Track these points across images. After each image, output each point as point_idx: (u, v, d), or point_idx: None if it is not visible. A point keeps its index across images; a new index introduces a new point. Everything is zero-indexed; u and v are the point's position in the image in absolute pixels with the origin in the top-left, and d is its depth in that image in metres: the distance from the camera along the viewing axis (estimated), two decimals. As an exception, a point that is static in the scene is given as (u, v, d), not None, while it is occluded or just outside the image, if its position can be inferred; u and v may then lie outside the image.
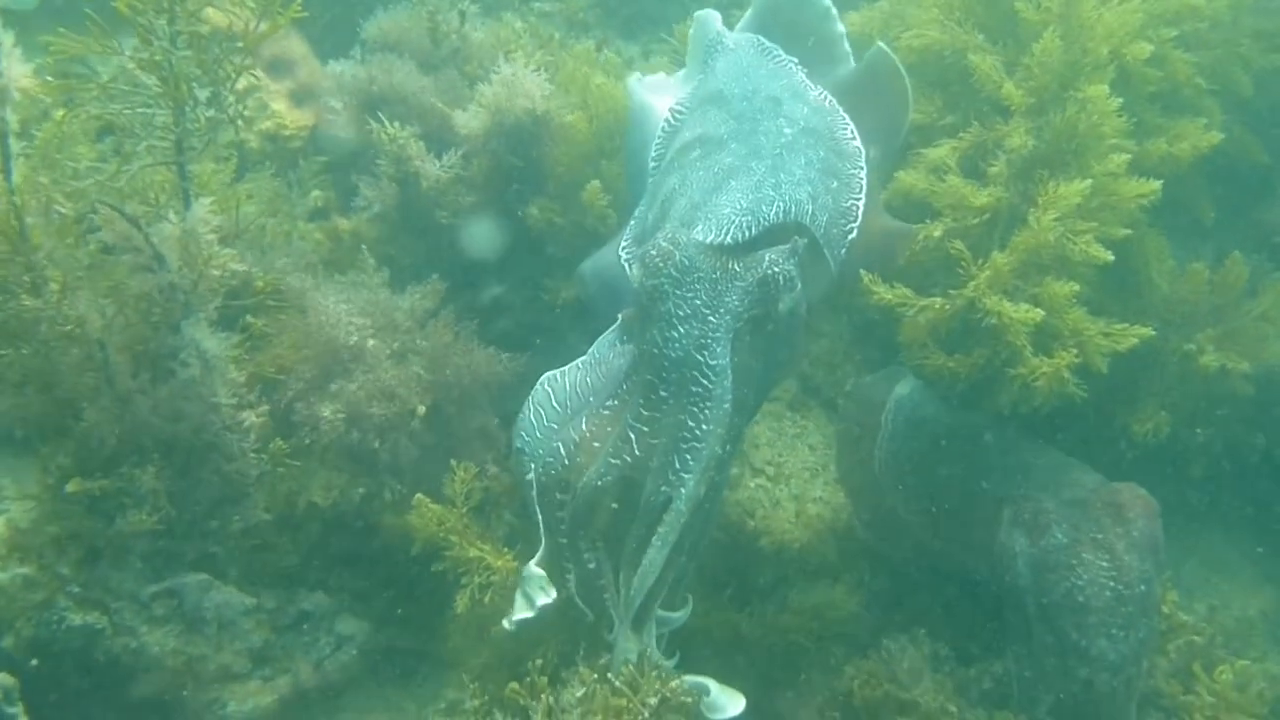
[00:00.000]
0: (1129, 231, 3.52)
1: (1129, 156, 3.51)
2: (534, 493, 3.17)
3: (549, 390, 3.32)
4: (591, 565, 3.16)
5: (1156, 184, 3.50)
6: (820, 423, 4.90)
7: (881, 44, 3.83)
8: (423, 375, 3.88)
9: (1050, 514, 3.58)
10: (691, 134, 3.67)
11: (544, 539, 3.16)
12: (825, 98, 3.78)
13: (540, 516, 3.17)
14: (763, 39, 3.98)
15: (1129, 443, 4.09)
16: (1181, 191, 4.02)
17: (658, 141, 3.88)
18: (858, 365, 4.79)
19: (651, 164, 3.87)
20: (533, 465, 3.19)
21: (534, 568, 3.13)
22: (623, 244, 3.72)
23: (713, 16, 4.06)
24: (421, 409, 3.83)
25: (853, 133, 3.69)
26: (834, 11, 4.03)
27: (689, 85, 4.00)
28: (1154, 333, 3.55)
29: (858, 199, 3.53)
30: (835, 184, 3.50)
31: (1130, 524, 3.56)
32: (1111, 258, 3.42)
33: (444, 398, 3.94)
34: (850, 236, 3.48)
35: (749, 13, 4.18)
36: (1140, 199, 3.50)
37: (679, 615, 3.27)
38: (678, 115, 3.87)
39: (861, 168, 3.60)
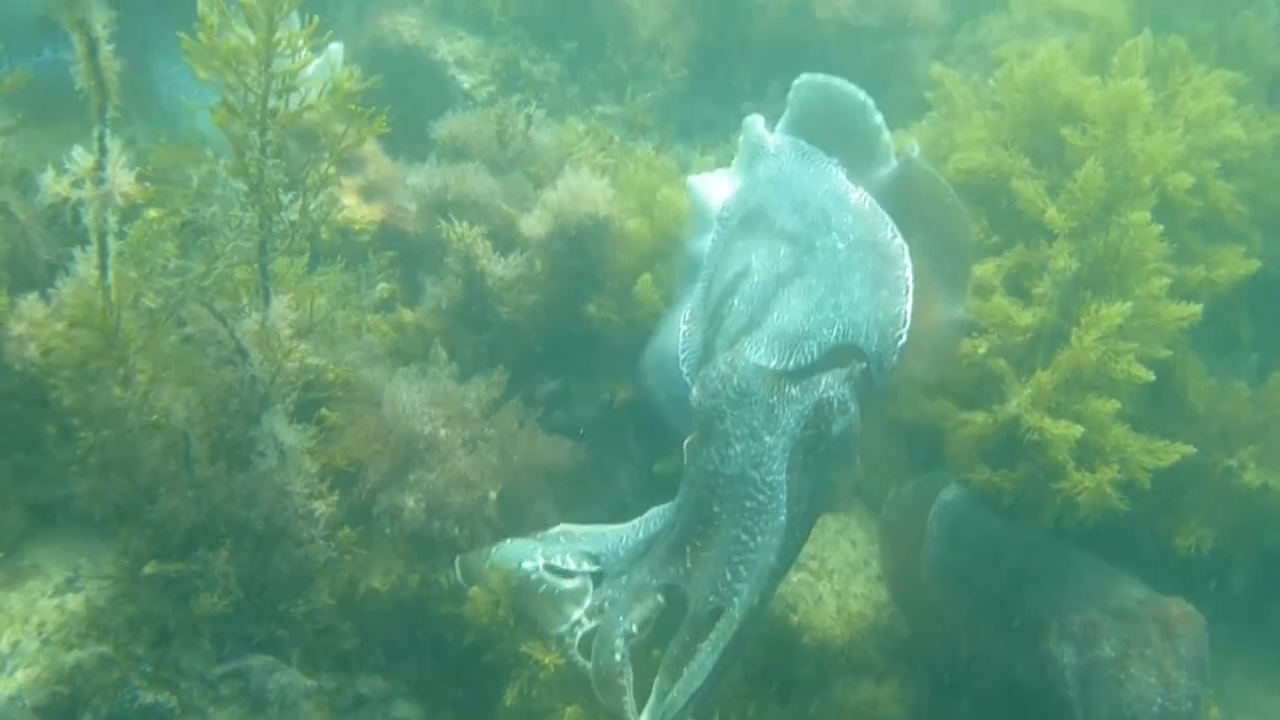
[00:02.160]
0: (1169, 353, 3.62)
1: (1169, 281, 3.62)
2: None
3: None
4: (617, 657, 3.29)
5: (1196, 308, 3.61)
6: (862, 518, 4.94)
7: (911, 154, 3.84)
8: (494, 463, 4.00)
9: (1099, 627, 3.62)
10: (744, 243, 3.79)
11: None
12: (865, 199, 3.82)
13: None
14: (802, 142, 4.02)
15: (1172, 555, 4.15)
16: (1222, 309, 4.12)
17: (711, 240, 4.01)
18: (900, 466, 4.87)
19: (704, 272, 4.01)
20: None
21: None
22: (681, 357, 3.85)
23: (756, 120, 4.14)
24: (494, 495, 3.96)
25: (894, 231, 3.73)
26: (870, 104, 3.95)
27: (737, 182, 4.12)
28: (1195, 450, 3.63)
29: (904, 302, 3.60)
30: (885, 293, 3.59)
31: (1179, 640, 3.59)
32: (1153, 377, 3.53)
33: (513, 483, 4.07)
34: (900, 343, 3.57)
35: (786, 114, 4.17)
36: (1180, 322, 3.61)
37: None
38: (728, 223, 3.99)
39: (906, 266, 3.66)
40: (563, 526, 3.76)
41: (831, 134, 4.04)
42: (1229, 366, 4.40)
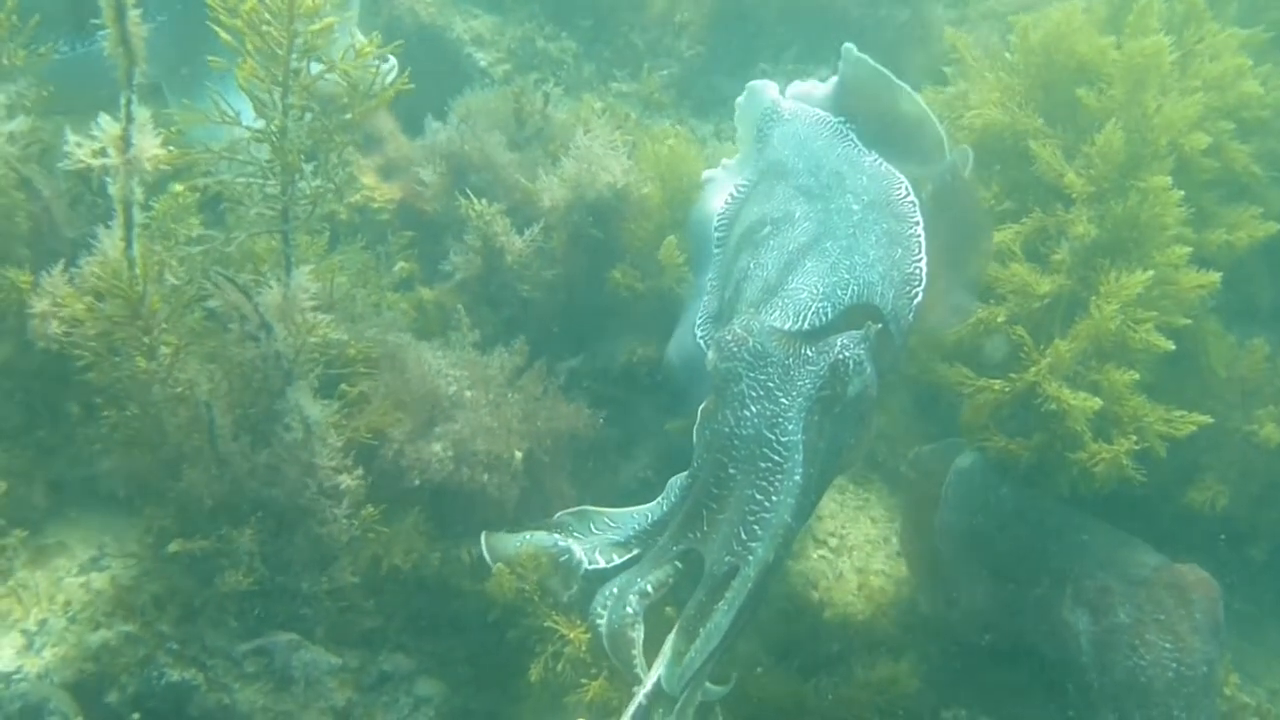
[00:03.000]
0: (1189, 321, 3.61)
1: (1190, 250, 3.61)
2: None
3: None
4: (629, 610, 3.32)
5: (1215, 276, 3.60)
6: (882, 494, 4.97)
7: (958, 164, 3.82)
8: (518, 422, 4.01)
9: (1114, 593, 3.64)
10: (760, 208, 3.81)
11: None
12: (878, 162, 3.84)
13: None
14: (820, 111, 4.03)
15: (1189, 518, 4.14)
16: (1241, 274, 4.11)
17: (721, 215, 4.02)
18: (920, 440, 4.87)
19: (717, 238, 4.01)
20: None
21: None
22: (698, 323, 3.87)
23: (767, 86, 4.15)
24: (519, 455, 3.96)
25: (906, 189, 3.75)
26: (930, 114, 3.95)
27: (748, 165, 4.12)
28: (1212, 421, 3.62)
29: (919, 260, 3.61)
30: (900, 252, 3.61)
31: (1193, 605, 3.61)
32: (1172, 347, 3.53)
33: (537, 447, 4.07)
34: (916, 301, 3.58)
35: (835, 83, 4.13)
36: (1200, 290, 3.60)
37: (722, 689, 3.38)
38: (741, 189, 4.00)
39: (918, 222, 3.68)
40: (585, 509, 3.75)
41: (879, 121, 4.00)
42: (1250, 331, 4.36)
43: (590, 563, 3.52)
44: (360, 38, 4.51)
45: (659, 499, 3.62)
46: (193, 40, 3.48)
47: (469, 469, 3.88)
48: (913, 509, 4.23)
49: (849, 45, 3.97)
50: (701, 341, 3.73)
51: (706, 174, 4.31)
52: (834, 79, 4.11)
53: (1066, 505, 3.87)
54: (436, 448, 3.84)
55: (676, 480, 3.53)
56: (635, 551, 3.54)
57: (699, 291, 4.07)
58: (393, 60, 4.49)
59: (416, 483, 3.85)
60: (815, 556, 4.71)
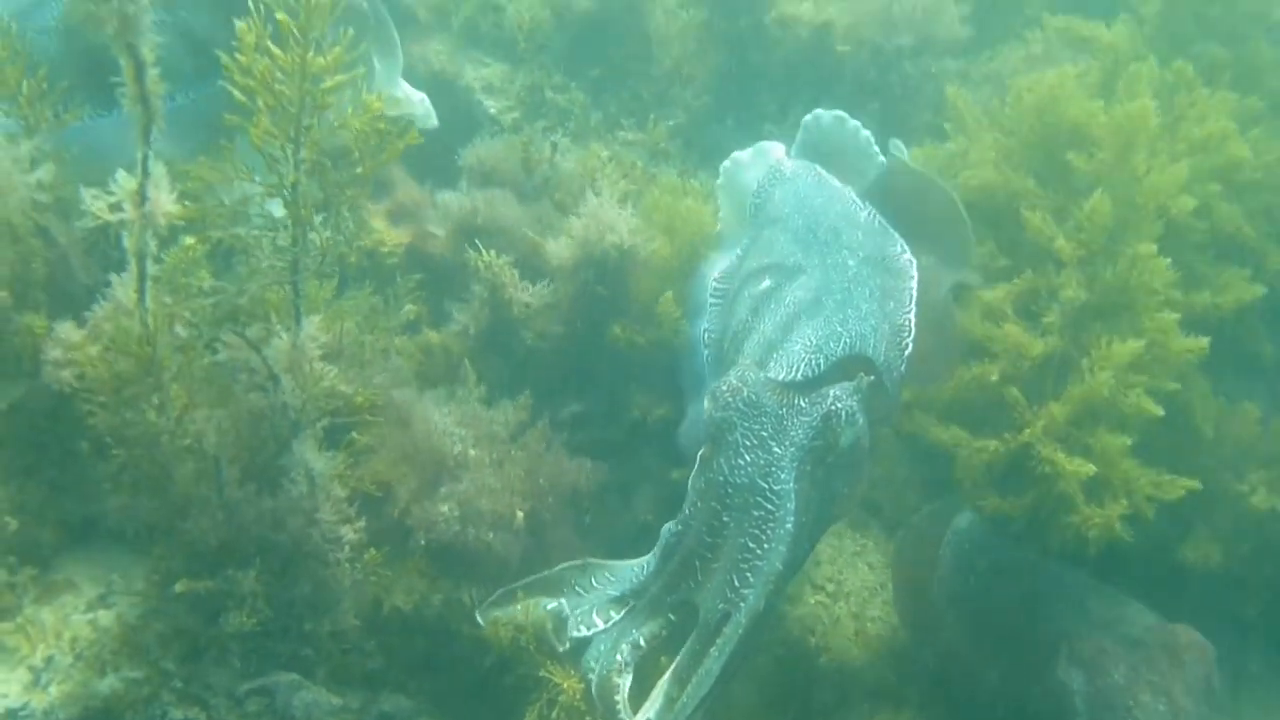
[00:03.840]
0: (1178, 386, 3.67)
1: (1179, 316, 3.68)
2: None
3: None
4: (619, 658, 3.39)
5: (1204, 341, 3.66)
6: (879, 541, 5.00)
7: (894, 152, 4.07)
8: (520, 481, 4.07)
9: (1109, 654, 3.67)
10: (759, 263, 3.90)
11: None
12: (874, 218, 3.95)
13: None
14: (816, 166, 4.18)
15: (1184, 578, 4.19)
16: (1242, 330, 4.18)
17: (723, 272, 4.12)
18: (916, 487, 4.93)
19: (718, 292, 4.10)
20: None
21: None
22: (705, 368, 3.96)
23: (774, 147, 4.32)
24: (520, 514, 4.03)
25: (902, 247, 3.85)
26: (857, 125, 4.24)
27: (751, 222, 4.23)
28: (1199, 486, 3.67)
29: (909, 312, 3.68)
30: (892, 305, 3.69)
31: (1187, 667, 3.64)
32: (1161, 412, 3.58)
33: (539, 505, 4.13)
34: (907, 352, 3.65)
35: (797, 140, 4.39)
36: (1189, 355, 3.66)
37: None
38: (743, 244, 4.10)
39: (913, 278, 3.76)
40: (589, 562, 3.82)
41: (830, 151, 4.25)
42: (1248, 388, 4.42)
43: (590, 627, 3.57)
44: (407, 88, 4.65)
45: (654, 549, 3.68)
46: (211, 128, 3.56)
47: (475, 528, 3.94)
48: (907, 570, 4.27)
49: (813, 112, 4.29)
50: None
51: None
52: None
53: (1063, 563, 3.91)
54: (444, 508, 3.91)
55: (667, 528, 3.59)
56: (631, 604, 3.59)
57: (695, 343, 4.15)
58: (425, 98, 4.63)
59: (422, 542, 3.92)
60: (812, 602, 4.74)
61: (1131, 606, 3.84)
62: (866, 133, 4.24)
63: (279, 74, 3.24)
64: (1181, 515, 4.09)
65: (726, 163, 4.43)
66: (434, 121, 4.79)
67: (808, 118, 4.31)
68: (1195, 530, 4.18)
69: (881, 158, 4.22)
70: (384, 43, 4.59)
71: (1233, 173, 4.16)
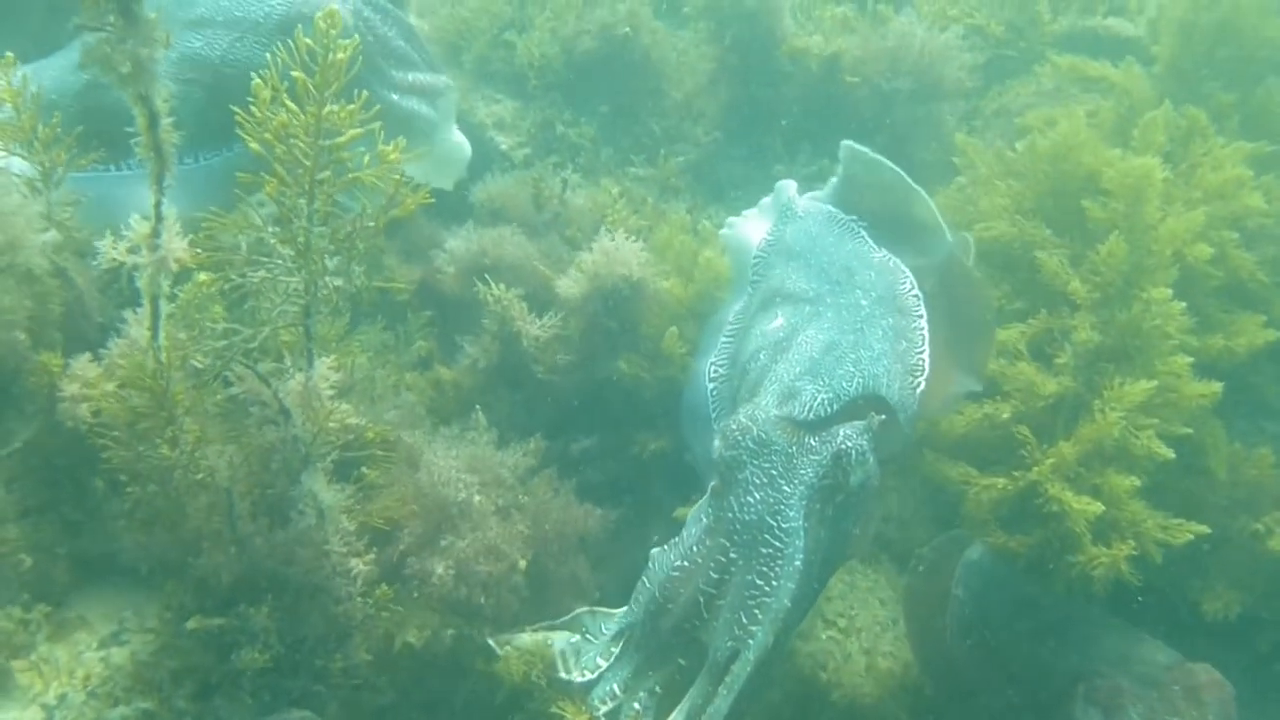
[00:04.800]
0: (1189, 430, 3.67)
1: (1191, 360, 3.68)
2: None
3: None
4: (638, 706, 3.39)
5: (1217, 386, 3.67)
6: (891, 576, 4.99)
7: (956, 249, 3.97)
8: (525, 531, 4.07)
9: (1126, 693, 3.64)
10: (769, 299, 3.95)
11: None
12: (887, 257, 3.97)
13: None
14: (827, 206, 4.20)
15: (1198, 618, 4.18)
16: (1256, 374, 4.20)
17: (737, 313, 4.17)
18: (928, 522, 4.92)
19: (731, 330, 4.11)
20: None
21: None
22: (711, 400, 3.97)
23: (788, 185, 4.36)
24: (523, 563, 4.03)
25: (911, 284, 3.87)
26: (923, 195, 4.09)
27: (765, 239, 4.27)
28: (1208, 530, 3.67)
29: (922, 353, 3.72)
30: (904, 344, 3.71)
31: (1205, 707, 3.61)
32: (1172, 455, 3.59)
33: (543, 552, 4.14)
34: (919, 390, 3.67)
35: (836, 179, 4.36)
36: (1201, 399, 3.66)
37: None
38: (755, 284, 4.14)
39: (922, 316, 3.79)
40: (596, 610, 3.82)
41: (879, 209, 4.17)
42: (1259, 431, 4.42)
43: (594, 670, 3.57)
44: (458, 135, 4.70)
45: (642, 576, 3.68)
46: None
47: (468, 589, 3.95)
48: (919, 606, 4.25)
49: (847, 142, 4.19)
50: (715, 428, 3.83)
51: (732, 233, 4.48)
52: (833, 179, 4.29)
53: (1078, 600, 3.89)
54: (439, 568, 3.91)
55: (655, 553, 3.60)
56: (628, 636, 3.59)
57: (698, 376, 4.17)
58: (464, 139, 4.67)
59: (415, 595, 3.93)
60: (824, 637, 4.73)
61: (1148, 644, 3.81)
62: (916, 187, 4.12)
63: (295, 130, 3.28)
64: (1196, 556, 4.08)
65: (725, 229, 4.51)
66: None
67: (847, 154, 4.26)
68: (1213, 578, 4.16)
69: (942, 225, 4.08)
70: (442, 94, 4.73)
71: (1245, 219, 4.17)
